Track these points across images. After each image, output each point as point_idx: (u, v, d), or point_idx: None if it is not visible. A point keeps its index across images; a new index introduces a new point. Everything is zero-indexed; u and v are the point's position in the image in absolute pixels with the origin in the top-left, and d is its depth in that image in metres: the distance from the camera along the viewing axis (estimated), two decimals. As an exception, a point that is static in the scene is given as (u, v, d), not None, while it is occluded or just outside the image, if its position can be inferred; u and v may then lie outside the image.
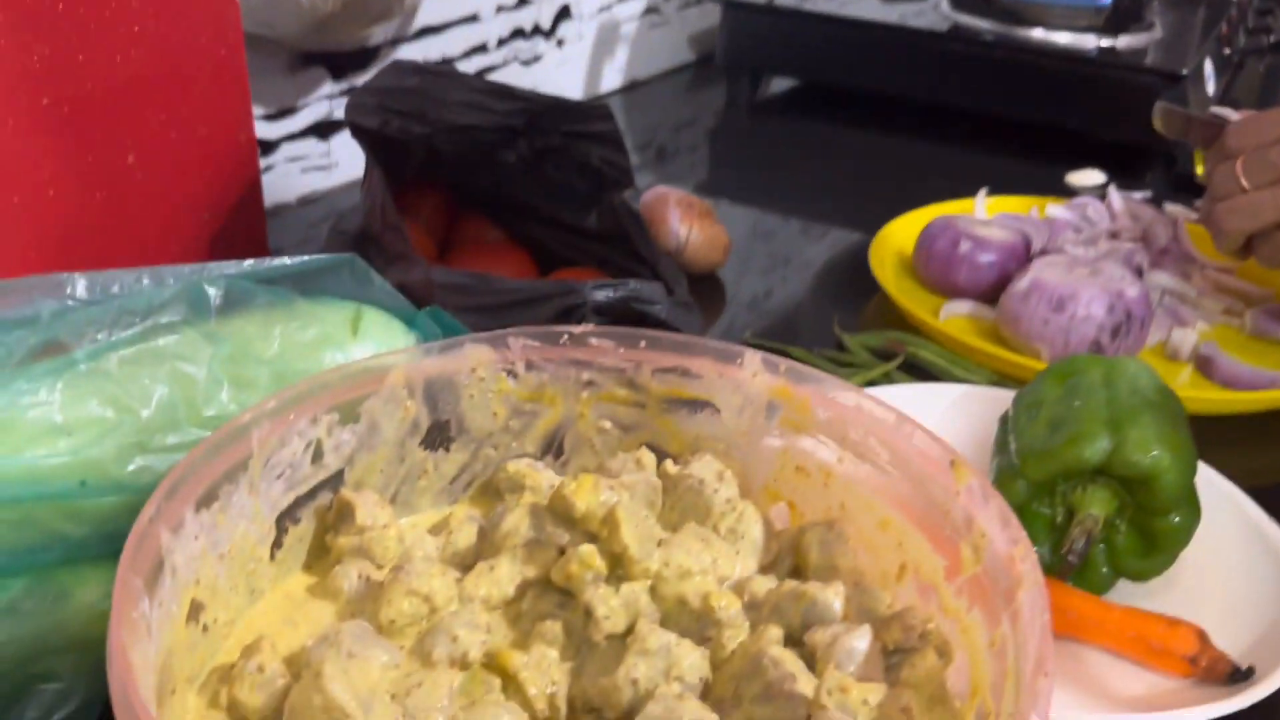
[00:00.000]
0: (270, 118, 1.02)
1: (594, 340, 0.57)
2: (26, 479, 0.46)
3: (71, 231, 0.71)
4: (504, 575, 0.50)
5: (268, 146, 1.02)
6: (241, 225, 0.80)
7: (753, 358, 0.55)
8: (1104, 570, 0.61)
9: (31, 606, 0.48)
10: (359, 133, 0.77)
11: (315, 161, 1.08)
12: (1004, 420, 0.66)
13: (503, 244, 0.88)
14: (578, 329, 0.57)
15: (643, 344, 0.57)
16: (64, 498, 0.47)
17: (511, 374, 0.56)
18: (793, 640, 0.48)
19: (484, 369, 0.56)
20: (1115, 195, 1.01)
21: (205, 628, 0.46)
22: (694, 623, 0.48)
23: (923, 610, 0.48)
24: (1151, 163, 1.27)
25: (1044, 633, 0.39)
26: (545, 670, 0.47)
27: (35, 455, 0.46)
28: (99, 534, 0.48)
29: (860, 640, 0.45)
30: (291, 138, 1.05)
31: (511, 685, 0.46)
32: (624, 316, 0.66)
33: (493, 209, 0.90)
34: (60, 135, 0.68)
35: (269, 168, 1.03)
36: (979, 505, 0.46)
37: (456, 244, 0.89)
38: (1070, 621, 0.58)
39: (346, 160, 1.10)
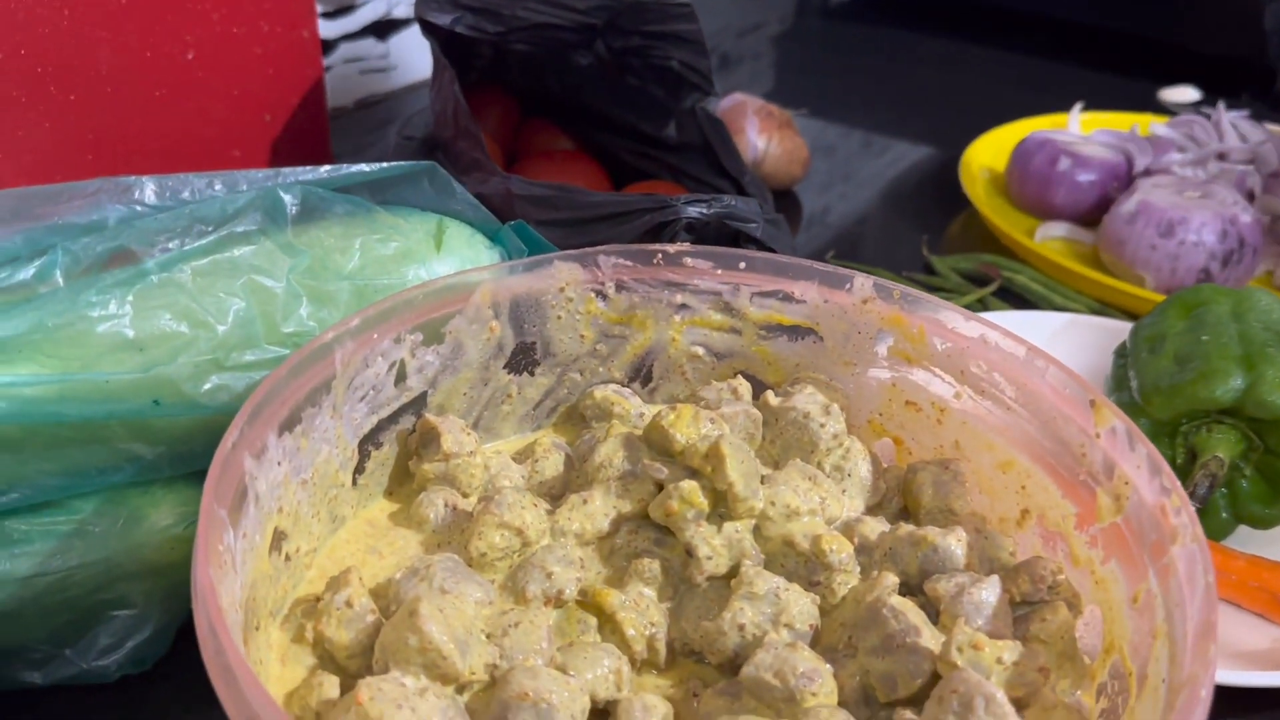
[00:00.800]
0: (327, 16, 0.97)
1: (689, 260, 0.53)
2: (97, 396, 0.43)
3: (131, 130, 0.67)
4: (597, 509, 0.47)
5: (325, 46, 0.98)
6: (304, 127, 0.76)
7: (863, 282, 0.51)
8: (1224, 516, 0.57)
9: (103, 530, 0.45)
10: (429, 30, 0.73)
11: (374, 63, 1.03)
12: (1121, 353, 0.62)
13: (573, 154, 0.84)
14: (672, 248, 0.53)
15: (742, 265, 0.53)
16: (136, 416, 0.44)
17: (601, 295, 0.53)
18: (908, 588, 0.44)
19: (572, 289, 0.52)
20: (1224, 114, 0.94)
21: (287, 558, 0.43)
22: (801, 566, 0.45)
23: (1051, 560, 0.44)
24: (1248, 79, 1.20)
25: (1209, 594, 0.36)
26: (643, 610, 0.44)
27: (106, 372, 0.44)
28: (172, 455, 0.46)
29: (989, 592, 0.41)
30: (349, 37, 1.00)
31: (608, 625, 0.44)
32: (714, 234, 0.62)
33: (562, 117, 0.85)
34: (117, 29, 0.64)
35: (326, 69, 0.98)
36: (1122, 450, 0.42)
37: (523, 154, 0.85)
38: (1187, 570, 0.55)
39: (406, 62, 1.05)
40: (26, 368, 0.43)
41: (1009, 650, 0.39)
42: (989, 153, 0.94)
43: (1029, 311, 0.72)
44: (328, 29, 0.98)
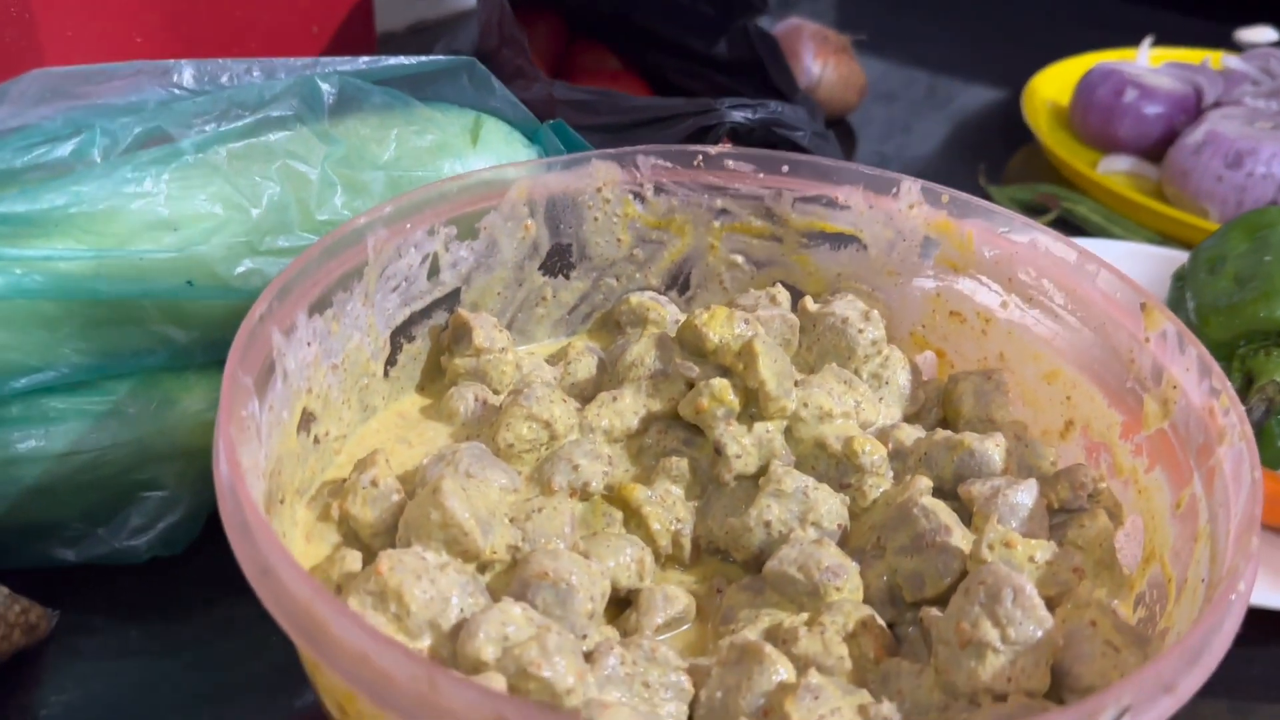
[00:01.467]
0: (380, -65, 0.96)
1: (731, 162, 0.52)
2: (131, 274, 0.44)
3: (178, 34, 0.67)
4: (627, 407, 0.46)
5: (377, -32, 0.97)
6: (351, 41, 0.76)
7: (910, 187, 0.50)
8: (1280, 444, 0.55)
9: (136, 411, 0.46)
10: (477, -60, 0.72)
11: (425, -14, 1.02)
12: (1179, 276, 0.59)
13: (620, 73, 0.83)
14: (713, 149, 0.52)
15: (785, 169, 0.51)
16: (169, 296, 0.44)
17: (639, 197, 0.52)
18: (942, 493, 0.43)
19: (610, 189, 0.51)
20: (1303, 47, 0.90)
21: (316, 440, 0.43)
22: (832, 468, 0.44)
23: (1092, 468, 0.43)
24: (1331, 19, 1.15)
25: (1254, 490, 0.34)
26: (669, 506, 0.43)
27: (140, 249, 0.44)
28: (205, 340, 0.46)
29: (1025, 494, 0.40)
30: (402, -41, 0.99)
31: (634, 519, 0.43)
32: (760, 143, 0.61)
33: (610, 35, 0.84)
34: (166, -71, 0.64)
35: (378, -9, 0.98)
36: (1172, 354, 0.41)
37: (571, 72, 0.84)
38: (1239, 498, 0.53)
39: (457, -14, 1.04)
40: (63, 242, 0.43)
41: (1042, 549, 0.38)
42: (1054, 86, 0.91)
43: (1088, 239, 0.70)
44: (380, -50, 0.97)
